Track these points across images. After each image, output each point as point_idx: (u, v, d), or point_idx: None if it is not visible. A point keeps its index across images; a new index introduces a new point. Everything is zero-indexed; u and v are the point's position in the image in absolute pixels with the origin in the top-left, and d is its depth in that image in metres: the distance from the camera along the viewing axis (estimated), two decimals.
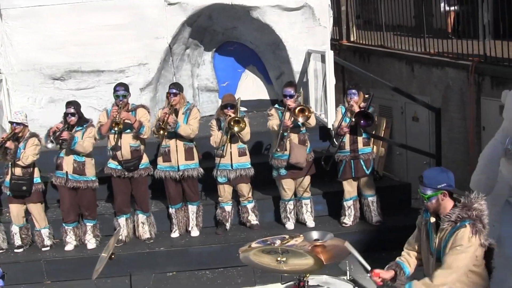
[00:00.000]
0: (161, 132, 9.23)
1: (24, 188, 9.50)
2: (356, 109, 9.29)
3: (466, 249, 5.21)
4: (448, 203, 5.39)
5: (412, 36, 13.76)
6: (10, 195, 9.57)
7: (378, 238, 9.31)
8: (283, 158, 9.50)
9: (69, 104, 9.50)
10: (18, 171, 9.46)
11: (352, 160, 9.52)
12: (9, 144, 9.24)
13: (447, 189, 5.36)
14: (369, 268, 5.67)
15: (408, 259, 5.89)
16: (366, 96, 9.65)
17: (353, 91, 9.48)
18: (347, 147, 9.51)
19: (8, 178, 9.55)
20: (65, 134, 9.17)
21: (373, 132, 10.56)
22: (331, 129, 9.94)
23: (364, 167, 9.55)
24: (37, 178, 9.67)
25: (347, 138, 9.49)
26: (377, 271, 5.66)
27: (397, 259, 5.91)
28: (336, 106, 10.28)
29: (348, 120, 9.42)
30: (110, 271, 7.07)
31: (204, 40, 13.44)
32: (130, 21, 12.12)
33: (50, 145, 9.23)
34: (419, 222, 5.82)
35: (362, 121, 9.25)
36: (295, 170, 9.57)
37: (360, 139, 9.54)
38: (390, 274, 5.69)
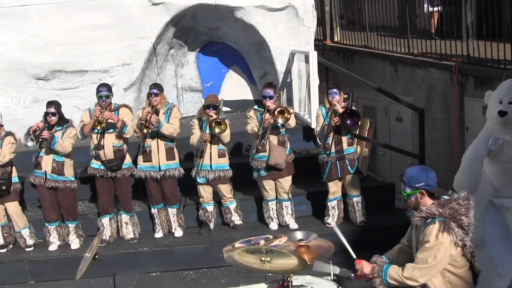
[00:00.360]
0: (145, 131, 9.22)
1: (4, 187, 9.44)
2: (340, 109, 9.31)
3: (434, 245, 5.21)
4: (427, 202, 5.44)
5: (395, 37, 13.82)
6: None
7: (362, 238, 9.30)
8: (263, 159, 9.52)
9: (50, 103, 9.47)
10: None
11: (338, 161, 9.53)
12: None
13: (425, 188, 5.41)
14: (354, 256, 5.73)
15: (394, 250, 5.92)
16: (345, 96, 9.66)
17: (335, 90, 9.50)
18: (332, 149, 9.51)
19: None
20: (45, 133, 9.13)
21: (357, 132, 10.60)
22: (315, 131, 9.94)
23: (349, 167, 9.56)
24: (15, 178, 9.63)
25: (331, 139, 9.49)
26: (360, 261, 5.68)
27: (390, 251, 5.95)
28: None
29: (328, 120, 9.44)
30: (93, 271, 7.06)
31: (188, 40, 13.44)
32: (114, 21, 12.11)
33: (30, 143, 9.17)
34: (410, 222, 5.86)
35: (348, 121, 9.24)
36: (275, 171, 9.59)
37: (344, 139, 9.54)
38: (369, 268, 5.68)
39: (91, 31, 12.09)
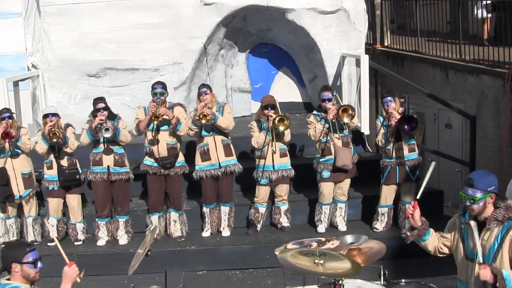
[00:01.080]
0: (203, 121, 9.21)
1: (78, 176, 9.67)
2: (397, 115, 9.24)
3: None
4: (490, 207, 5.37)
5: (447, 42, 13.68)
6: (56, 188, 9.66)
7: (410, 245, 9.23)
8: (329, 162, 9.50)
9: (98, 99, 9.60)
10: (64, 162, 9.61)
11: (397, 167, 9.45)
12: (58, 132, 9.33)
13: (495, 192, 5.33)
14: (418, 196, 5.64)
15: (435, 235, 5.83)
16: (401, 100, 9.58)
17: (389, 98, 9.41)
18: (393, 154, 9.45)
19: (51, 172, 9.63)
20: (110, 125, 9.29)
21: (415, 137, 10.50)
22: (376, 141, 9.90)
23: (410, 173, 9.47)
24: (79, 169, 9.81)
25: (391, 145, 9.44)
26: (416, 205, 5.60)
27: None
28: (370, 110, 10.23)
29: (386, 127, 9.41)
30: (140, 268, 7.09)
31: (239, 41, 13.46)
32: (165, 20, 12.22)
33: (107, 134, 9.28)
34: (451, 225, 5.78)
35: (406, 126, 9.16)
36: (339, 173, 9.55)
37: (405, 145, 9.44)
38: (418, 221, 5.64)
39: (142, 29, 12.20)
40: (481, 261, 5.35)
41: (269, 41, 13.75)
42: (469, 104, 12.00)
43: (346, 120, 9.24)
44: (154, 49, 12.29)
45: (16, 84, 11.48)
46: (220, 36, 12.76)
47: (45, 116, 9.58)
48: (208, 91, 9.54)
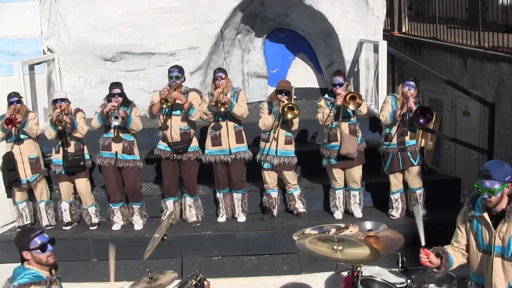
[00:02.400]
0: (222, 109, 9.14)
1: (82, 163, 9.64)
2: (412, 104, 9.07)
3: None
4: (506, 197, 5.28)
5: (465, 29, 13.54)
6: (63, 172, 9.66)
7: (426, 232, 9.17)
8: (335, 148, 9.40)
9: (114, 84, 9.57)
10: (71, 148, 9.58)
11: (399, 153, 9.38)
12: (65, 118, 9.31)
13: None
14: (423, 243, 5.59)
15: (455, 254, 5.78)
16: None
17: (412, 83, 9.25)
18: (394, 140, 9.37)
19: (58, 157, 9.63)
20: (122, 112, 9.24)
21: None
22: (380, 117, 9.78)
23: (411, 159, 9.39)
24: (86, 155, 9.79)
25: (394, 130, 9.35)
26: (427, 251, 5.56)
27: (446, 248, 5.80)
28: None
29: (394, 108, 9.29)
30: (156, 252, 7.06)
31: (256, 26, 13.38)
32: (182, 4, 12.18)
33: (116, 122, 9.24)
34: (462, 220, 5.70)
35: (421, 120, 9.01)
36: (346, 160, 9.46)
37: (408, 132, 9.38)
38: (437, 261, 5.59)
39: (159, 13, 12.16)
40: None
41: (286, 26, 13.67)
42: (488, 92, 11.87)
43: (352, 107, 9.08)
44: (171, 33, 12.25)
45: (31, 67, 11.47)
46: (237, 20, 12.68)
47: (55, 101, 9.57)
48: (223, 76, 9.46)
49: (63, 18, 12.24)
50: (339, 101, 9.16)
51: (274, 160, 9.51)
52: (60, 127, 9.26)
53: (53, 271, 5.33)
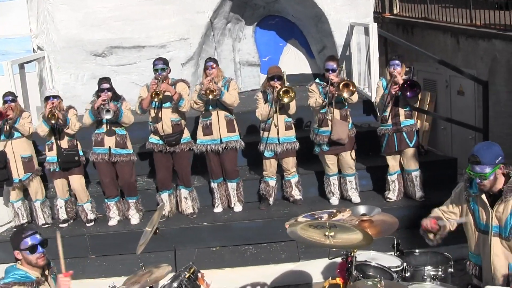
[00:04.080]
0: (210, 96, 9.07)
1: (76, 158, 9.62)
2: (400, 80, 9.06)
3: None
4: (501, 177, 5.23)
5: (457, 7, 13.46)
6: (57, 169, 9.63)
7: (423, 214, 9.12)
8: (325, 134, 9.34)
9: (103, 80, 9.52)
10: (64, 144, 9.54)
11: (394, 134, 9.32)
12: (58, 113, 9.27)
13: (503, 161, 5.18)
14: None
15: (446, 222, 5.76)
16: (407, 69, 9.42)
17: (397, 62, 9.21)
18: (389, 121, 9.32)
19: (52, 154, 9.60)
20: (112, 106, 9.19)
21: (417, 106, 10.34)
22: (374, 103, 9.71)
23: (407, 140, 9.33)
24: (80, 151, 9.77)
25: (388, 111, 9.30)
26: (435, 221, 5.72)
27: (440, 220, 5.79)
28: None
29: (387, 91, 9.23)
30: (153, 246, 7.04)
31: (245, 14, 13.31)
32: None
33: (108, 116, 9.19)
34: (456, 197, 5.68)
35: (408, 93, 8.97)
36: (337, 146, 9.42)
37: (402, 112, 9.29)
38: (437, 227, 5.72)
39: (147, 6, 12.11)
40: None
41: (277, 13, 13.60)
42: (481, 70, 11.82)
43: (345, 95, 8.99)
44: (160, 25, 12.20)
45: (21, 66, 11.43)
46: (226, 9, 12.62)
47: (47, 98, 9.52)
48: (214, 65, 9.39)
49: (52, 15, 12.18)
50: (332, 87, 9.10)
51: (278, 148, 9.45)
52: (53, 121, 9.21)
53: (46, 271, 5.30)
